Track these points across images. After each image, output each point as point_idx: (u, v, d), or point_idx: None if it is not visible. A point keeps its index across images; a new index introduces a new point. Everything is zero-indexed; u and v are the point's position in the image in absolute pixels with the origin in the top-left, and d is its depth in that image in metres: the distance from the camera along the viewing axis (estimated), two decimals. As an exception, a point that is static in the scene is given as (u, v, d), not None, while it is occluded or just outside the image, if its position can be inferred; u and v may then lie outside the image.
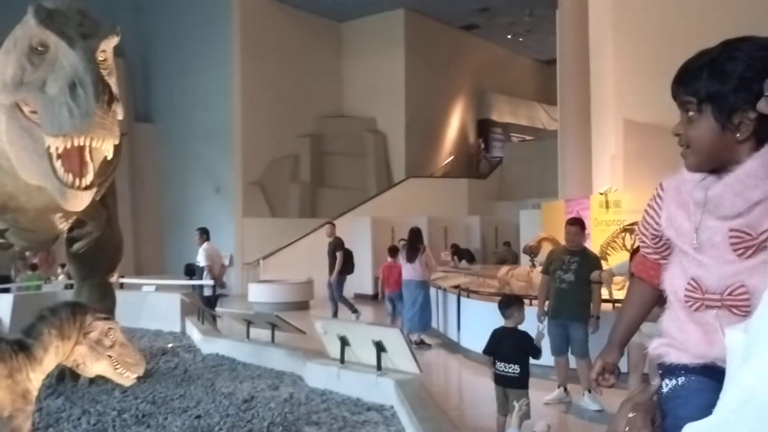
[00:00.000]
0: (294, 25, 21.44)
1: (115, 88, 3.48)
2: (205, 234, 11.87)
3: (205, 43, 20.64)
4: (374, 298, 17.21)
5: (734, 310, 1.52)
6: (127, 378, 3.29)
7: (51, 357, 3.05)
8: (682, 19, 10.42)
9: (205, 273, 11.34)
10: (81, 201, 3.50)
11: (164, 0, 21.48)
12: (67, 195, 3.42)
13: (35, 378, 2.99)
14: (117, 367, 3.21)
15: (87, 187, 3.43)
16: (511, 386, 4.96)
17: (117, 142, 3.41)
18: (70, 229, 5.77)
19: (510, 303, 5.27)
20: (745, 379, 0.80)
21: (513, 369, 4.93)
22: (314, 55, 22.18)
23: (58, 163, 3.35)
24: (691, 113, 1.60)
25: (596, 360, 2.04)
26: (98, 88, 3.22)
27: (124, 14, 21.96)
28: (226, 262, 19.74)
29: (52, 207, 4.83)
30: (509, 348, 5.04)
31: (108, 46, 3.59)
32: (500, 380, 5.02)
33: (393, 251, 11.58)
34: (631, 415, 1.24)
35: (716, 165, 1.59)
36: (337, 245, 12.68)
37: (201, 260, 11.46)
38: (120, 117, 3.43)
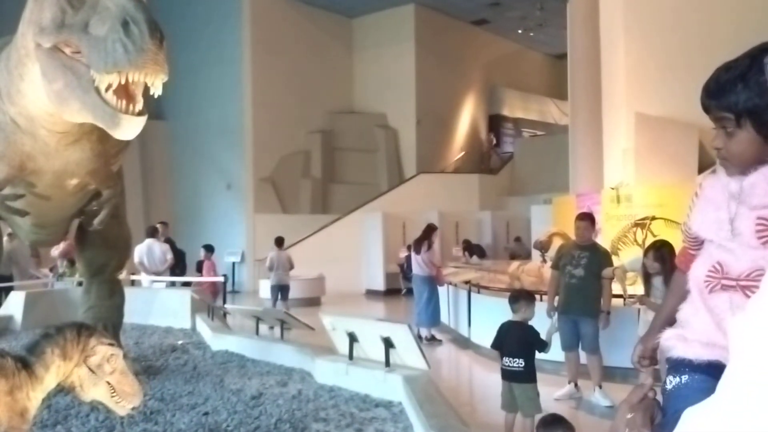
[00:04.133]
0: (304, 21, 21.43)
1: None
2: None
3: (216, 40, 20.68)
4: (385, 294, 17.24)
5: (747, 292, 1.54)
6: (122, 407, 3.20)
7: (52, 376, 3.01)
8: (693, 11, 10.32)
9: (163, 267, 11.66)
10: (134, 127, 3.50)
11: (175, -3, 21.56)
12: (121, 121, 3.43)
13: (35, 397, 2.96)
14: (114, 394, 3.14)
15: (140, 113, 3.44)
16: (517, 380, 4.93)
17: (167, 78, 3.44)
18: (82, 213, 5.76)
19: (519, 297, 5.26)
20: (743, 361, 0.80)
21: (518, 363, 4.91)
22: (325, 51, 22.17)
23: (108, 94, 3.39)
24: (729, 129, 1.61)
25: (637, 344, 2.14)
26: (152, 26, 3.26)
27: (135, 12, 22.04)
28: (236, 259, 19.86)
29: (69, 170, 4.86)
30: (514, 342, 5.02)
31: None
32: (506, 375, 5.00)
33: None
34: (629, 415, 1.23)
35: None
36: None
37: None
38: None
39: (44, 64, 3.73)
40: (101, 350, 3.12)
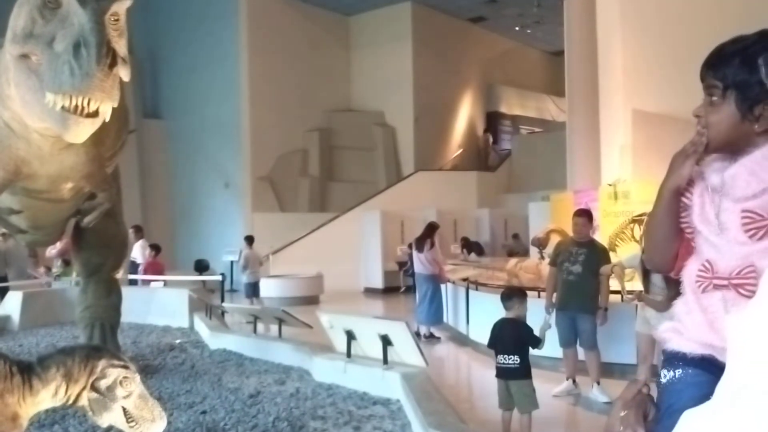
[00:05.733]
0: (301, 20, 21.40)
1: (123, 50, 3.49)
2: (140, 231, 12.45)
3: (212, 39, 20.65)
4: (384, 292, 17.23)
5: (740, 290, 1.52)
6: None
7: (49, 394, 2.91)
8: (690, 8, 10.31)
9: (140, 268, 11.95)
10: (83, 129, 3.48)
11: (171, -4, 21.54)
12: (69, 122, 3.41)
13: (25, 406, 2.87)
14: (130, 420, 2.99)
15: (89, 115, 3.40)
16: (513, 378, 4.93)
17: (115, 104, 3.44)
18: (78, 212, 5.75)
19: (511, 295, 5.26)
20: (742, 364, 0.80)
21: (513, 360, 4.90)
22: (322, 49, 22.14)
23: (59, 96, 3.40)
24: (714, 98, 1.60)
25: None
26: (101, 50, 3.26)
27: (132, 11, 21.97)
28: (234, 258, 19.83)
29: (64, 174, 4.87)
30: (509, 339, 5.02)
31: (120, 8, 3.60)
32: (501, 373, 5.00)
33: None
34: (623, 413, 1.23)
35: (732, 150, 1.60)
36: None
37: (137, 257, 12.01)
38: (126, 78, 3.47)
39: (14, 70, 3.76)
40: (112, 373, 2.99)
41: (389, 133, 22.82)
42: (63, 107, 3.37)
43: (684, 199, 1.70)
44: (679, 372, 1.60)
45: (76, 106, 3.36)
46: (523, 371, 4.92)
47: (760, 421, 0.71)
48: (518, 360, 4.90)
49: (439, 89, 22.88)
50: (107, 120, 3.54)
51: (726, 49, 1.60)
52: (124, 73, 3.46)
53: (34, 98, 3.58)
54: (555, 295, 6.65)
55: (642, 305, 6.06)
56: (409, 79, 22.34)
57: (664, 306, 5.64)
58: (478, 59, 24.88)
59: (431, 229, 10.60)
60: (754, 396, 0.74)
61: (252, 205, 20.30)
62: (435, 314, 10.08)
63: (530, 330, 5.05)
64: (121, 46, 3.48)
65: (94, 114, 3.42)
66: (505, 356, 4.95)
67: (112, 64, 3.30)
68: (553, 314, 6.43)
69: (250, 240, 13.34)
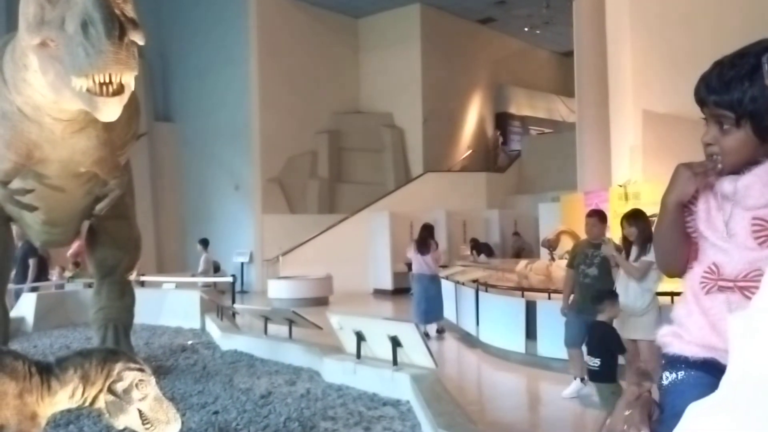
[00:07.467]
0: (310, 22, 21.48)
1: (131, 13, 3.57)
2: None
3: (223, 42, 20.76)
4: (393, 293, 17.25)
5: (746, 293, 1.52)
6: None
7: (66, 394, 2.97)
8: (699, 8, 10.29)
9: None
10: (113, 107, 3.56)
11: (182, 0, 21.63)
12: (98, 104, 3.50)
13: (43, 406, 2.92)
14: (146, 422, 3.05)
15: (115, 92, 3.49)
16: (595, 380, 4.95)
17: (136, 73, 3.52)
18: (92, 214, 5.79)
19: (602, 297, 5.21)
20: (743, 356, 0.81)
21: (594, 362, 4.90)
22: (331, 51, 22.21)
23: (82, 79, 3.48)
24: (725, 126, 1.57)
25: None
26: (108, 25, 3.31)
27: (143, 15, 22.07)
28: (245, 259, 19.96)
29: (75, 159, 4.91)
30: (593, 341, 5.03)
31: None
32: (588, 374, 5.07)
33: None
34: (627, 412, 1.25)
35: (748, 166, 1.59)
36: (28, 250, 10.94)
37: None
38: (141, 42, 3.55)
39: (38, 59, 3.85)
40: (129, 376, 3.06)
41: (398, 135, 22.85)
42: (88, 89, 3.45)
43: (689, 205, 1.71)
44: (681, 374, 1.61)
45: (101, 85, 3.43)
46: (605, 374, 4.88)
47: (762, 413, 0.72)
48: (599, 363, 4.87)
49: (447, 90, 22.88)
50: (131, 87, 3.61)
51: (727, 74, 1.55)
52: (137, 36, 3.54)
53: (63, 83, 3.66)
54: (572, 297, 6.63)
55: (623, 314, 5.96)
56: (417, 81, 22.36)
57: (638, 273, 5.55)
58: (487, 60, 24.88)
59: (430, 230, 10.62)
60: (755, 383, 0.75)
61: (262, 206, 20.38)
62: (440, 309, 10.25)
63: (614, 334, 5.00)
64: (128, 11, 3.55)
65: (120, 90, 3.49)
66: (590, 358, 4.96)
67: (122, 34, 3.35)
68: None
69: (205, 243, 13.62)
